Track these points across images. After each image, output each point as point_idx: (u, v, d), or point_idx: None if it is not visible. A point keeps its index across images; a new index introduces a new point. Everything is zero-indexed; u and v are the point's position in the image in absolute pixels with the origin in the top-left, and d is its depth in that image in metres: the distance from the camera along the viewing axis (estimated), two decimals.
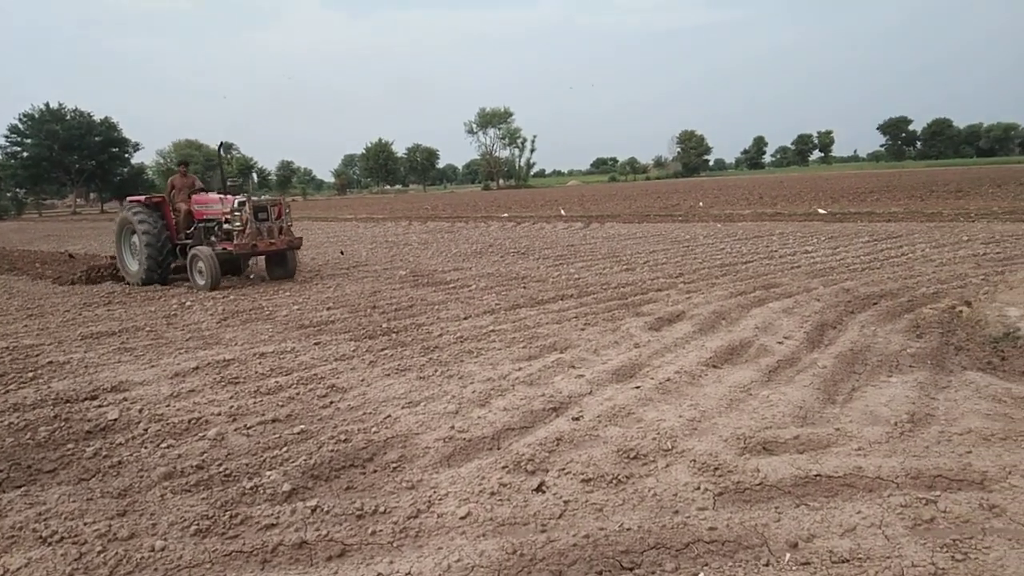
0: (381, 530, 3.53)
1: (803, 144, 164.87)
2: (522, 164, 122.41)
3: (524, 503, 3.72)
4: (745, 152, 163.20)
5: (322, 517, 3.68)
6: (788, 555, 3.09)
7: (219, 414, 5.38)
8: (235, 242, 12.55)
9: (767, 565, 3.05)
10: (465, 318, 8.77)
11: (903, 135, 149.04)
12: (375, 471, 4.28)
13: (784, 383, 5.60)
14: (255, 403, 5.61)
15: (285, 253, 13.41)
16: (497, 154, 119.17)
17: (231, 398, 5.81)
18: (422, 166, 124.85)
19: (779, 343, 6.80)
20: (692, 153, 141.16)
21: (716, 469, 3.96)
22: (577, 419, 4.87)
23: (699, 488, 3.77)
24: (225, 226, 12.89)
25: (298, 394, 5.80)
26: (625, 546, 3.26)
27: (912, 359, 6.15)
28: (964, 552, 2.99)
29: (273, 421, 5.18)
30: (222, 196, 13.18)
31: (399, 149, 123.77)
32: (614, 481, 3.93)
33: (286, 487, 4.02)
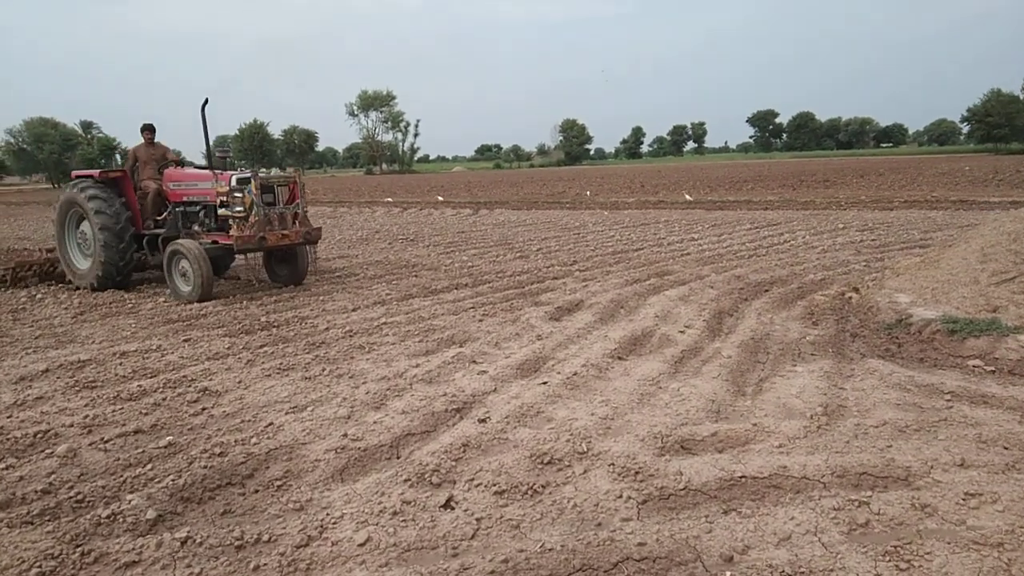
0: (265, 564, 3.03)
1: (678, 135, 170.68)
2: (405, 149, 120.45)
3: (431, 523, 3.30)
4: (624, 142, 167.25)
5: (194, 550, 3.13)
6: (727, 573, 2.82)
7: (71, 425, 4.65)
8: (235, 233, 9.01)
9: None
10: (354, 309, 8.20)
11: (771, 127, 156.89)
12: (256, 490, 3.73)
13: (692, 375, 5.42)
14: (114, 411, 4.90)
15: (296, 249, 9.99)
16: (380, 138, 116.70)
17: (86, 406, 5.07)
18: (300, 149, 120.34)
19: (681, 332, 6.66)
20: (574, 142, 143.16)
21: (637, 473, 3.68)
22: (484, 421, 4.48)
23: (621, 496, 3.47)
24: (221, 211, 9.34)
25: (165, 400, 5.12)
26: (548, 570, 2.90)
27: (813, 347, 6.13)
28: (907, 560, 2.81)
29: (135, 433, 4.51)
30: (215, 172, 9.66)
31: (275, 131, 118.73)
32: (529, 492, 3.57)
33: (150, 514, 3.42)
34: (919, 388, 4.92)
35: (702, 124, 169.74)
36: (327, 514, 3.42)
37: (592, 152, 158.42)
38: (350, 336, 6.85)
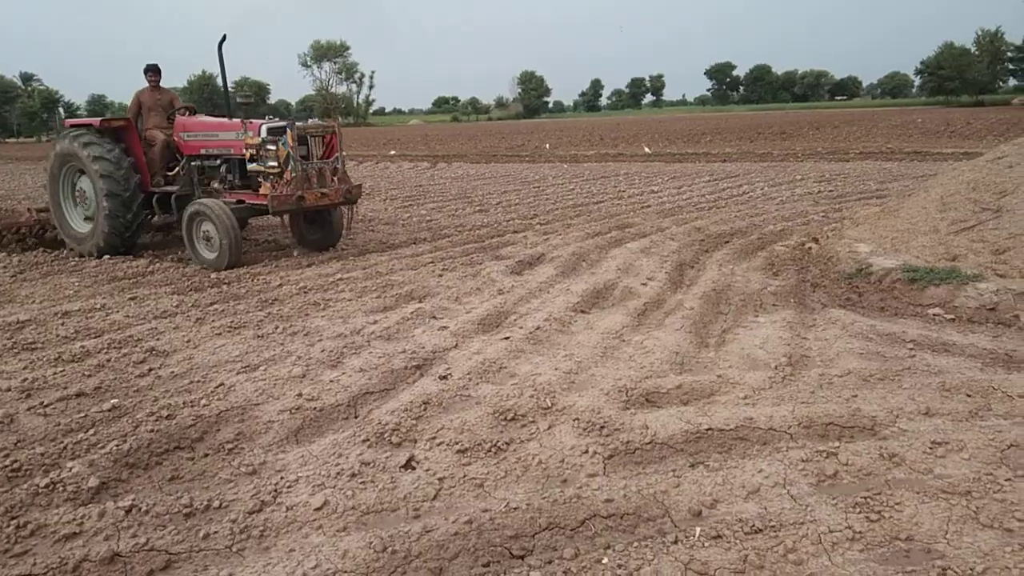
0: (216, 532, 2.88)
1: (637, 88, 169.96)
2: (360, 101, 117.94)
3: (392, 484, 3.18)
4: (583, 95, 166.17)
5: (140, 519, 2.96)
6: (698, 529, 2.76)
7: (8, 390, 4.40)
8: (268, 192, 7.76)
9: (676, 542, 2.70)
10: (308, 265, 7.96)
11: (728, 80, 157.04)
12: (206, 454, 3.57)
13: (655, 327, 5.35)
14: (55, 374, 4.66)
15: (331, 209, 8.59)
16: (334, 90, 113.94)
17: (25, 368, 4.82)
18: (252, 101, 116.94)
19: (643, 284, 6.58)
20: (533, 94, 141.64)
21: (602, 428, 3.59)
22: (444, 378, 4.35)
23: (587, 451, 3.38)
24: (251, 166, 8.08)
25: (109, 361, 4.88)
26: (514, 529, 2.81)
27: (774, 298, 6.10)
28: (877, 511, 2.78)
29: (78, 396, 4.29)
30: (244, 121, 8.22)
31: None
32: (493, 449, 3.46)
33: (93, 482, 3.24)
34: (881, 337, 4.91)
35: (660, 77, 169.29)
36: (281, 478, 3.27)
37: (551, 105, 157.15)
38: (304, 292, 6.64)
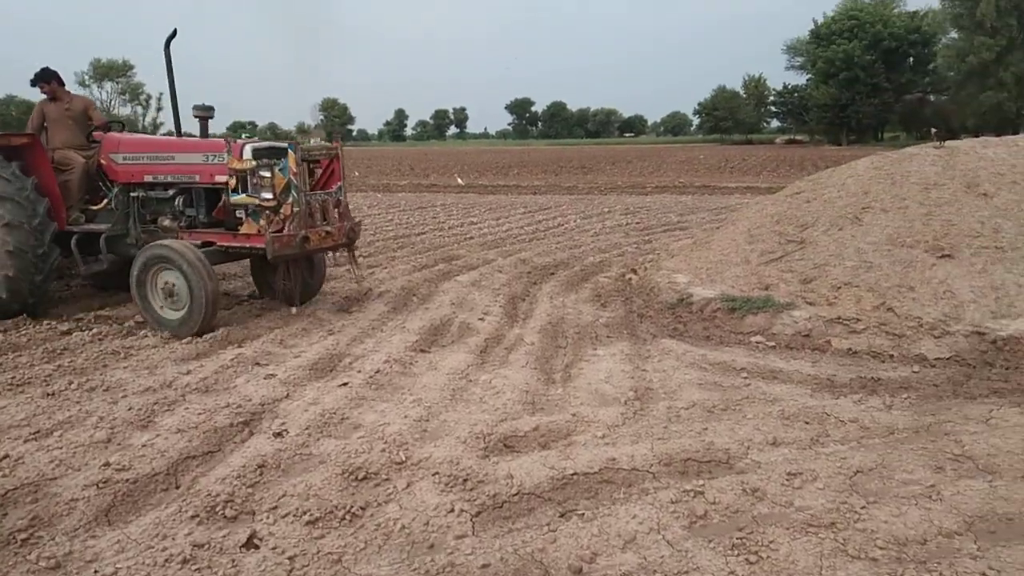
0: None
1: (441, 119, 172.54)
2: (147, 124, 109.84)
3: (234, 569, 2.73)
4: (388, 124, 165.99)
5: None
6: None
7: None
8: (261, 232, 5.96)
9: None
10: (100, 307, 7.03)
11: (527, 115, 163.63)
12: None
13: (500, 364, 5.20)
14: None
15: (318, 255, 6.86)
16: (117, 111, 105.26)
17: None
18: (19, 121, 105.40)
19: (480, 320, 6.44)
20: (336, 122, 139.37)
21: (465, 481, 3.35)
22: (279, 434, 3.90)
23: (452, 510, 3.12)
24: (235, 198, 6.08)
25: None
26: None
27: (607, 329, 6.18)
28: (754, 552, 2.75)
29: None
30: (228, 140, 6.26)
31: None
32: (347, 516, 3.10)
33: None
34: (714, 366, 5.08)
35: (464, 109, 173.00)
36: (95, 571, 2.71)
37: (355, 133, 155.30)
38: (100, 339, 5.82)
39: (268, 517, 3.10)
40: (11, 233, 6.17)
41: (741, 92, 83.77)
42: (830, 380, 4.73)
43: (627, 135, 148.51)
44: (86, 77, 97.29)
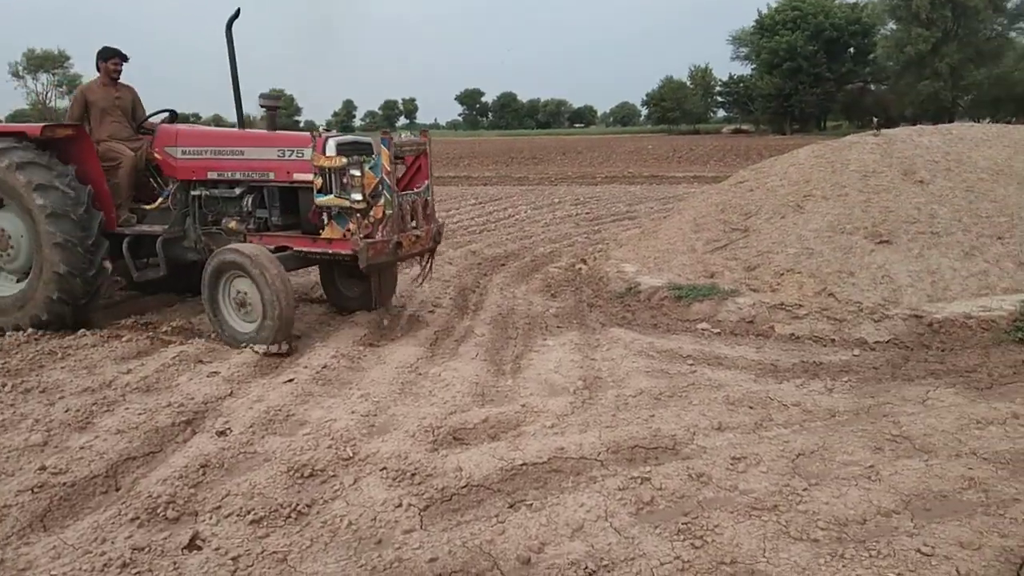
0: None
1: (390, 110, 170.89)
2: None
3: (175, 571, 2.66)
4: (336, 115, 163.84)
5: None
6: None
7: None
8: (358, 237, 5.24)
9: None
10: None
11: (478, 105, 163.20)
12: None
13: (449, 356, 5.18)
14: None
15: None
16: (53, 104, 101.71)
17: None
18: None
19: (430, 312, 6.42)
20: (283, 113, 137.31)
21: (413, 475, 3.33)
22: (223, 433, 3.82)
23: (400, 504, 3.10)
24: (321, 199, 5.33)
25: None
26: None
27: (557, 320, 6.21)
28: (699, 536, 2.79)
29: None
30: (313, 133, 5.55)
31: None
32: (293, 514, 3.05)
33: None
34: (661, 354, 5.14)
35: (413, 100, 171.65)
36: None
37: (302, 124, 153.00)
38: (35, 339, 5.62)
39: (211, 517, 3.03)
40: (56, 223, 5.57)
41: (688, 83, 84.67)
42: (773, 365, 4.83)
43: (577, 125, 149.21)
44: (19, 68, 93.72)
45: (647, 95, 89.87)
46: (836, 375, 4.64)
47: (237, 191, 5.85)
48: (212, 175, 5.91)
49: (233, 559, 2.74)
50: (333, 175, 5.28)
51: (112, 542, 2.84)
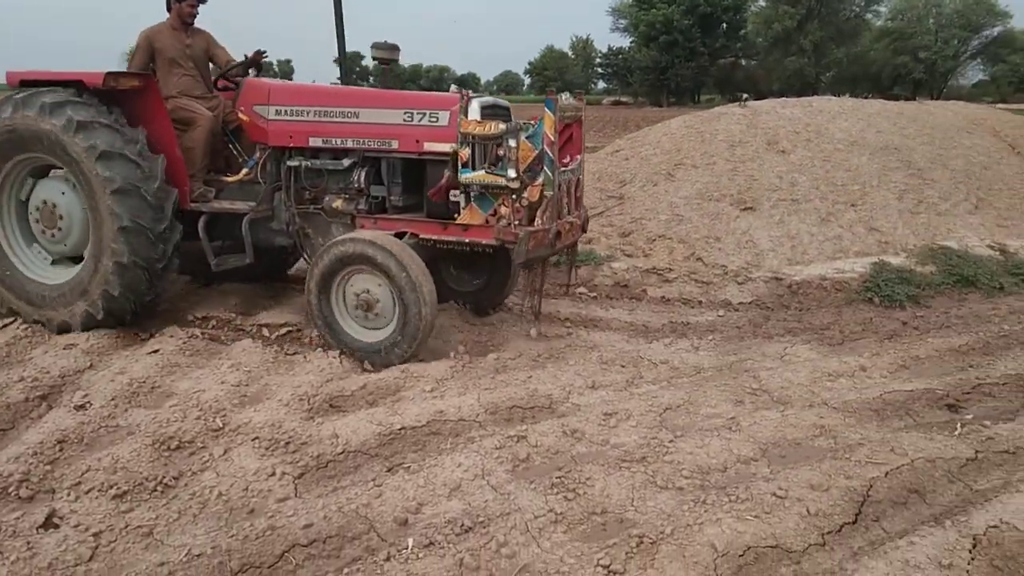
0: None
1: (265, 71, 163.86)
2: None
3: (29, 552, 2.52)
4: None
5: None
6: (410, 540, 2.61)
7: None
8: (512, 226, 4.18)
9: (388, 559, 2.52)
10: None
11: (358, 69, 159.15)
12: None
13: None
14: None
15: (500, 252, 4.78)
16: None
17: None
18: None
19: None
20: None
21: (287, 444, 3.27)
22: (82, 407, 3.62)
23: (274, 473, 3.05)
24: (466, 175, 4.21)
25: None
26: None
27: None
28: (572, 489, 2.90)
29: None
30: (460, 91, 4.46)
31: None
32: (159, 487, 2.95)
33: None
34: (541, 318, 5.24)
35: (289, 61, 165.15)
36: None
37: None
38: None
39: (70, 494, 2.88)
40: (123, 202, 4.44)
41: (570, 53, 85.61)
42: (645, 326, 5.03)
43: None
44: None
45: (529, 64, 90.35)
46: (702, 334, 4.88)
47: (346, 162, 4.73)
48: (315, 141, 4.76)
49: (95, 535, 2.62)
50: (484, 145, 4.28)
51: None
